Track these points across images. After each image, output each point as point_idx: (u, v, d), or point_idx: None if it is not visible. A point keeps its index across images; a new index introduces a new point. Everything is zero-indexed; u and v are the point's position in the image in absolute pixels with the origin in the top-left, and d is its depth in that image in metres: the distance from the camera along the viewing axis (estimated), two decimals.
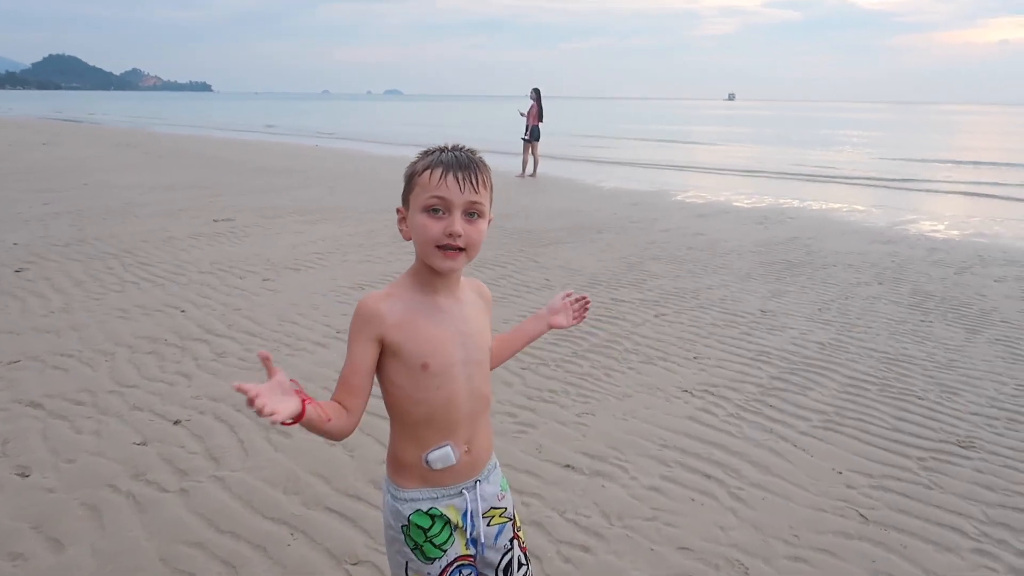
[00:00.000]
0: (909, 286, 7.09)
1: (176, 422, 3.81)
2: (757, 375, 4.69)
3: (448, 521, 1.59)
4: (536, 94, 16.62)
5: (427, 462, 1.56)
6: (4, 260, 7.27)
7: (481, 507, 1.63)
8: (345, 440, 3.62)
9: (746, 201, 13.31)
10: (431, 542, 1.57)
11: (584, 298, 1.94)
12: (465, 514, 1.61)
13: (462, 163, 1.48)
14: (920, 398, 4.36)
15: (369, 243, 8.60)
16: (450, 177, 1.45)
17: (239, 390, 1.20)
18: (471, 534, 1.61)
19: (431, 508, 1.58)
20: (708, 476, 3.40)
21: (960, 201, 14.63)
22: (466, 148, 1.54)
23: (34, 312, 5.62)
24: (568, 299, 1.93)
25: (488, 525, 1.65)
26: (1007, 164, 22.99)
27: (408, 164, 1.56)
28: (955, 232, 10.43)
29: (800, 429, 3.92)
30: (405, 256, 7.87)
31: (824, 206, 13.00)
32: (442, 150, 1.51)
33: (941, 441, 3.81)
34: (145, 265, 7.21)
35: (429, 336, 1.52)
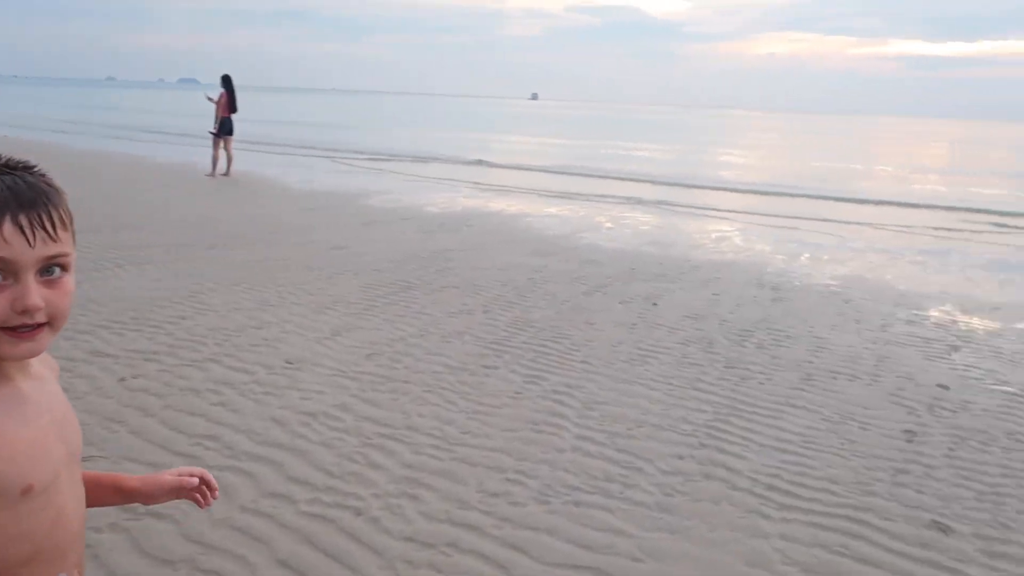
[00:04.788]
0: (514, 314, 5.97)
1: None
2: None
3: None
4: (226, 82, 14.47)
5: None
6: None
7: None
8: None
9: (442, 206, 12.10)
10: None
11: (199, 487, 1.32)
12: None
13: (24, 198, 0.94)
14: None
15: None
16: (7, 225, 0.92)
17: None
18: None
19: None
20: None
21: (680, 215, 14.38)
22: (21, 165, 0.98)
23: None
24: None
25: None
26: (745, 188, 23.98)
27: None
28: (612, 243, 9.76)
29: None
30: None
31: (523, 209, 12.09)
32: None
33: None
34: None
35: (26, 444, 1.01)
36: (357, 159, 20.47)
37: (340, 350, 4.93)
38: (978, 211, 14.53)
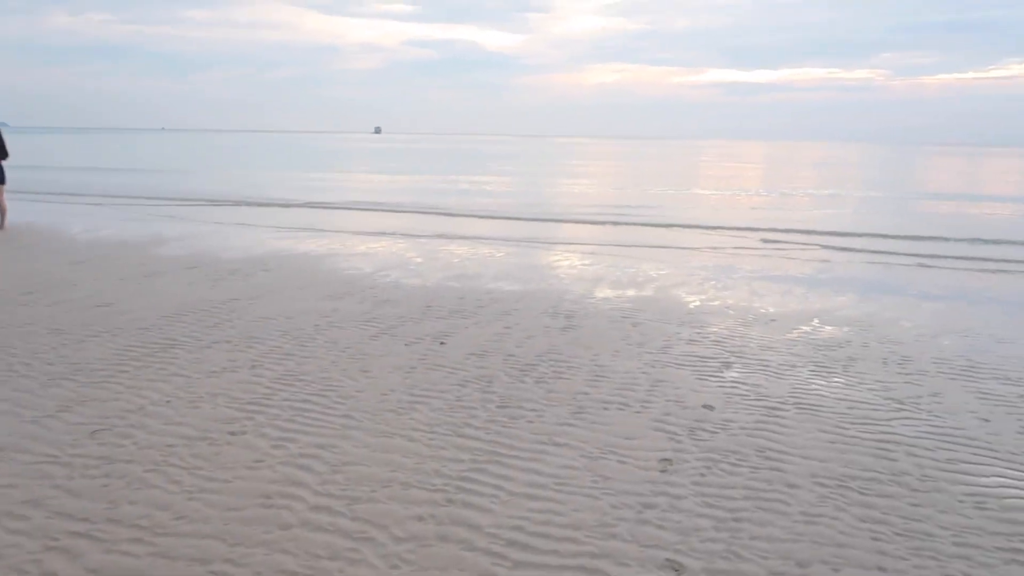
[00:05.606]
0: (285, 367, 5.52)
1: None
2: None
3: None
4: None
5: None
6: None
7: None
8: None
9: (241, 250, 11.36)
10: None
11: None
12: None
13: None
14: None
15: None
16: None
17: None
18: None
19: None
20: None
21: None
22: None
23: None
24: None
25: None
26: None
27: None
28: (415, 280, 9.54)
29: None
30: None
31: (333, 249, 11.58)
32: None
33: None
34: None
35: None
36: (165, 205, 19.07)
37: (59, 430, 4.28)
38: (777, 230, 15.55)
